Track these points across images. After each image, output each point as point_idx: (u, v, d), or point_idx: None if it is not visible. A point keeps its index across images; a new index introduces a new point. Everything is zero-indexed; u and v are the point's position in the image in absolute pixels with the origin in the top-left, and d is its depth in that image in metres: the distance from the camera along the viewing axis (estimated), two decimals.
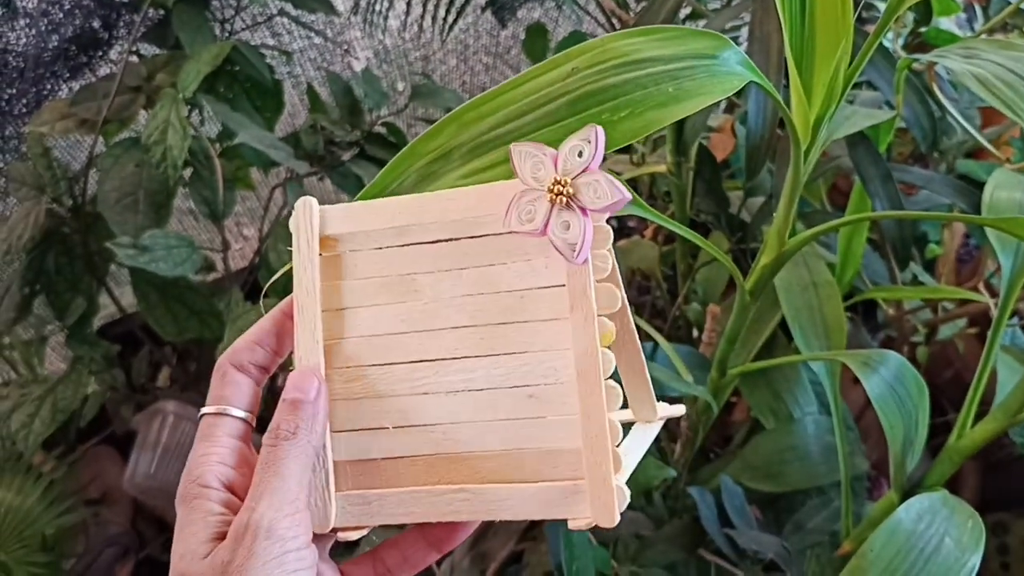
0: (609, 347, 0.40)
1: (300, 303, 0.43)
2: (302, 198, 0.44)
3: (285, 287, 1.15)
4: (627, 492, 0.39)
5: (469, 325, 0.42)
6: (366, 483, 0.43)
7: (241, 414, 0.43)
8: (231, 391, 0.43)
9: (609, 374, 0.39)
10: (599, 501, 0.38)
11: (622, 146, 0.48)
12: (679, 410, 0.54)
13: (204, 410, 0.43)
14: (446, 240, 0.42)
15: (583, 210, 0.39)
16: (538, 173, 0.40)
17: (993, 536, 1.34)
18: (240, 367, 0.44)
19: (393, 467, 0.43)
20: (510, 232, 0.40)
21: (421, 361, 0.42)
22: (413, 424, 0.42)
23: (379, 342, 0.43)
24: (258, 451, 0.42)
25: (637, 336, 0.49)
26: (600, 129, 0.39)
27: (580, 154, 0.39)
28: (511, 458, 0.41)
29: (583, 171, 0.39)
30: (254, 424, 0.44)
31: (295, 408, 0.41)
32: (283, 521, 0.38)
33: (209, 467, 0.41)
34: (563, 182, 0.39)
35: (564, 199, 0.39)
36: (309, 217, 0.44)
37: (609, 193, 0.38)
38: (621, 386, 0.46)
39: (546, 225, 0.39)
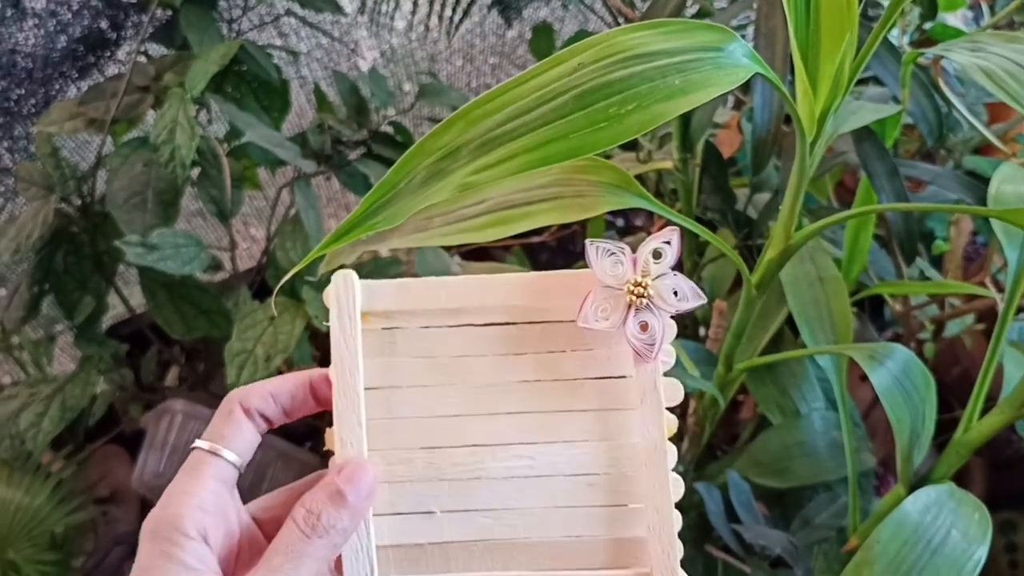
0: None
1: (342, 384, 0.42)
2: (341, 271, 0.43)
3: (292, 288, 1.14)
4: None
5: (528, 411, 0.42)
6: (412, 568, 0.42)
7: (234, 459, 0.42)
8: (232, 432, 0.43)
9: (672, 466, 0.40)
10: None
11: (629, 140, 0.48)
12: None
13: (198, 443, 0.43)
14: (502, 324, 0.42)
15: (660, 309, 0.40)
16: (616, 271, 0.40)
17: (1001, 535, 1.34)
18: (248, 411, 0.43)
19: (442, 552, 0.42)
20: (583, 327, 0.41)
21: (476, 446, 0.42)
22: (464, 509, 0.42)
23: (428, 425, 0.42)
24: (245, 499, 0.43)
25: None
26: (678, 232, 0.40)
27: (658, 255, 0.40)
28: (570, 546, 0.41)
29: (663, 274, 0.40)
30: (242, 470, 0.43)
31: (342, 504, 0.40)
32: None
33: (189, 510, 0.40)
34: (644, 284, 0.40)
35: (643, 300, 0.40)
36: (350, 292, 0.42)
37: (691, 296, 0.40)
38: None
39: (623, 323, 0.40)
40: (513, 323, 0.42)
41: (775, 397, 0.91)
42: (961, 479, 0.68)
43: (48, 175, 1.19)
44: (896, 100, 0.85)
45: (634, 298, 0.40)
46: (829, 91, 0.58)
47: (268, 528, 0.44)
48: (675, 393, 0.41)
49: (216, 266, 1.19)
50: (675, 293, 0.40)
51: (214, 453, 0.42)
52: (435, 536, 0.42)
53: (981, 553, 0.61)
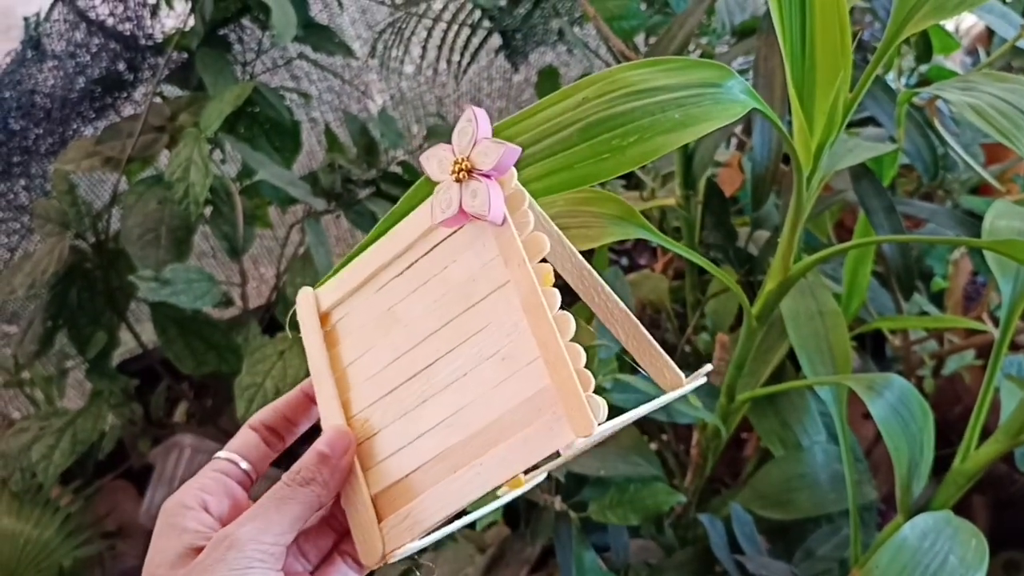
0: (560, 286, 0.44)
1: (316, 378, 0.49)
2: (303, 289, 0.51)
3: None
4: (602, 403, 0.40)
5: (441, 326, 0.45)
6: (401, 502, 0.45)
7: (235, 458, 0.48)
8: (238, 443, 0.49)
9: (556, 308, 0.42)
10: (574, 414, 0.40)
11: (631, 170, 0.50)
12: (706, 368, 0.55)
13: (217, 454, 0.49)
14: (409, 267, 0.47)
15: (486, 176, 0.43)
16: (443, 165, 0.44)
17: (1005, 574, 1.34)
18: (253, 426, 0.49)
19: (418, 477, 0.45)
20: (437, 224, 0.44)
21: (414, 376, 0.46)
22: (423, 431, 0.45)
23: (379, 377, 0.47)
24: (257, 495, 0.46)
25: (623, 304, 0.51)
26: (475, 107, 0.44)
27: (467, 133, 0.43)
28: (505, 419, 0.43)
29: (473, 145, 0.43)
30: (253, 477, 0.49)
31: (321, 461, 0.45)
32: (261, 546, 0.42)
33: (190, 492, 0.46)
34: (459, 160, 0.43)
35: (465, 175, 0.43)
36: (310, 306, 0.51)
37: (495, 150, 0.43)
38: (633, 361, 0.51)
39: (460, 204, 0.43)
40: (415, 261, 0.47)
41: (777, 430, 0.92)
42: (964, 517, 0.68)
43: (64, 212, 1.21)
44: (892, 140, 0.88)
45: (458, 176, 0.43)
46: (824, 126, 0.60)
47: None
48: (539, 245, 0.43)
49: (227, 302, 1.21)
50: (485, 155, 0.43)
51: (219, 459, 0.48)
52: (413, 463, 0.45)
53: None
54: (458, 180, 0.43)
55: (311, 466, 0.45)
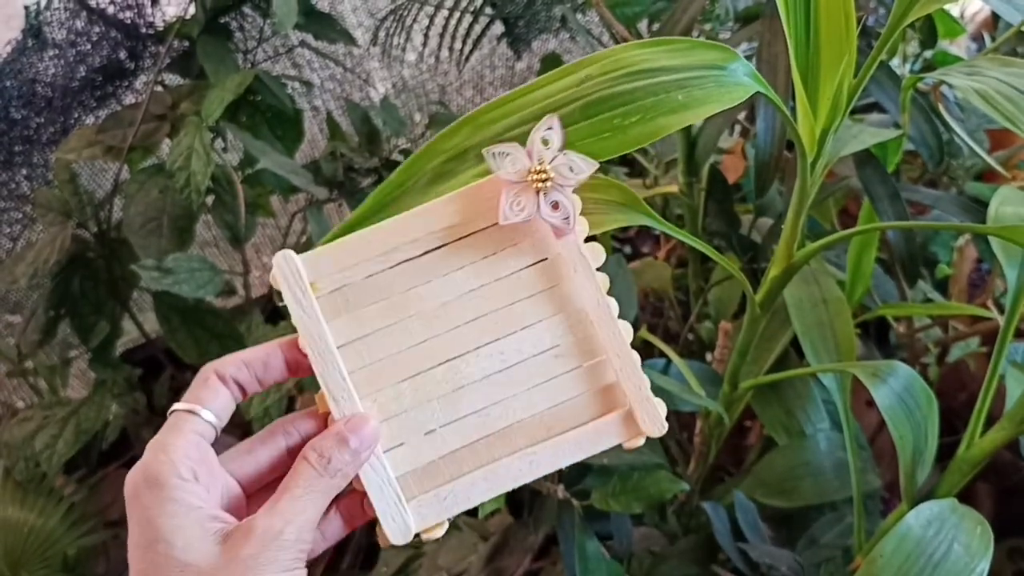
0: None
1: (314, 349, 0.46)
2: (280, 252, 0.46)
3: None
4: (662, 405, 0.46)
5: (483, 314, 0.46)
6: (433, 483, 0.46)
7: (210, 417, 0.45)
8: (207, 395, 0.45)
9: (616, 314, 0.46)
10: (647, 415, 0.45)
11: (631, 151, 0.50)
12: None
13: (176, 406, 0.45)
14: (435, 249, 0.46)
15: (564, 187, 0.45)
16: (516, 167, 0.45)
17: (1010, 562, 1.33)
18: (222, 377, 0.46)
19: (452, 459, 0.46)
20: (505, 224, 0.45)
21: (449, 360, 0.46)
22: (458, 417, 0.46)
23: (402, 358, 0.46)
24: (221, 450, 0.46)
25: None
26: (557, 117, 0.45)
27: (546, 142, 0.45)
28: (558, 412, 0.46)
29: (555, 156, 0.45)
30: (219, 431, 0.46)
31: (346, 449, 0.44)
32: (304, 544, 0.42)
33: (178, 457, 0.42)
34: (543, 169, 0.45)
35: (547, 183, 0.45)
36: (294, 268, 0.46)
37: (585, 167, 0.45)
38: None
39: (537, 209, 0.45)
40: (443, 244, 0.46)
41: (781, 418, 0.92)
42: (968, 505, 0.68)
43: (66, 201, 1.21)
44: (897, 125, 0.87)
45: (539, 184, 0.45)
46: (828, 111, 0.60)
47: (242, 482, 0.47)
48: (599, 255, 0.46)
49: (230, 291, 1.20)
50: (571, 169, 0.45)
51: (192, 412, 0.44)
52: (442, 449, 0.46)
53: (983, 567, 0.62)
54: (537, 190, 0.44)
55: (338, 455, 0.44)
